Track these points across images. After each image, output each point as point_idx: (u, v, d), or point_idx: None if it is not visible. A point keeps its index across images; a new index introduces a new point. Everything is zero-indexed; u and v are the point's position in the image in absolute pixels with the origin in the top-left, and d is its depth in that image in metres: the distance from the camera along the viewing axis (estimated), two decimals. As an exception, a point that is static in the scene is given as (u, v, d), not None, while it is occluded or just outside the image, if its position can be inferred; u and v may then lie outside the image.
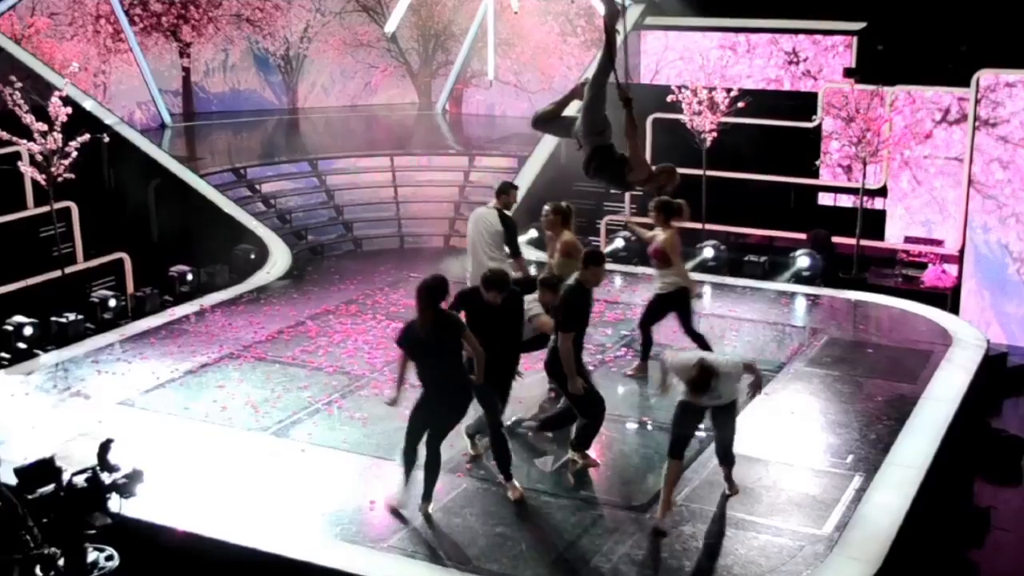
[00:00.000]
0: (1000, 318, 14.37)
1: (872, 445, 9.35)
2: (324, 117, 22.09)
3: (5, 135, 12.11)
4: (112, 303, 12.77)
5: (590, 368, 9.73)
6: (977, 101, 14.36)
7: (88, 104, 15.53)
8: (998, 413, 12.24)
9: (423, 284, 7.85)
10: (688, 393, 7.86)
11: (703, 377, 7.69)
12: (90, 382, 10.88)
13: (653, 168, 8.79)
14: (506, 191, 10.34)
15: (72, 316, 12.11)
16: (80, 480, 6.68)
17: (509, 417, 9.09)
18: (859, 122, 14.58)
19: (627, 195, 16.12)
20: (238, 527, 7.98)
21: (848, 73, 15.82)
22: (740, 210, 15.77)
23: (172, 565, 7.86)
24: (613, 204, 16.67)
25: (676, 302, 10.47)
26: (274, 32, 22.24)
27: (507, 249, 10.09)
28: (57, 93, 12.33)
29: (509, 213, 10.22)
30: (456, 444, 8.85)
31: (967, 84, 14.45)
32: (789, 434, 9.62)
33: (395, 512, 8.18)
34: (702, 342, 10.47)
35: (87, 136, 12.58)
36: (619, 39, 8.73)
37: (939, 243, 15.09)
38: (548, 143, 16.82)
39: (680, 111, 15.23)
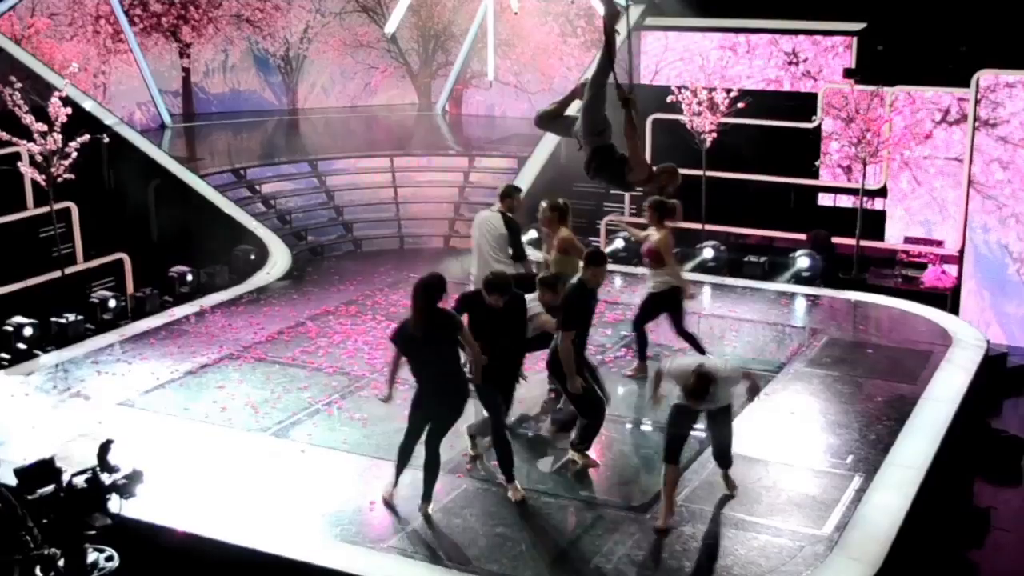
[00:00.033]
0: (1000, 318, 14.36)
1: (872, 445, 9.35)
2: (324, 118, 22.08)
3: (5, 136, 12.11)
4: (112, 304, 12.77)
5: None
6: (977, 101, 14.36)
7: (88, 104, 15.53)
8: (998, 413, 12.23)
9: (419, 282, 7.85)
10: (685, 398, 7.83)
11: (701, 384, 7.65)
12: (90, 383, 10.88)
13: (654, 168, 8.80)
14: (510, 194, 10.34)
15: (72, 317, 12.11)
16: (80, 481, 6.67)
17: (510, 418, 9.09)
18: (859, 123, 14.58)
19: (627, 196, 16.12)
20: (238, 528, 7.98)
21: (848, 74, 15.81)
22: (740, 211, 15.77)
23: (172, 566, 7.87)
24: (613, 204, 16.68)
25: (669, 301, 10.47)
26: (274, 33, 22.23)
27: (512, 252, 10.09)
28: (57, 94, 12.32)
29: (513, 216, 10.22)
30: (456, 444, 8.85)
31: (967, 84, 14.45)
32: (789, 434, 9.62)
33: (393, 511, 8.18)
34: (694, 342, 10.52)
35: (87, 137, 12.58)
36: (619, 40, 8.75)
37: (939, 243, 15.09)
38: (548, 144, 16.82)
39: (680, 112, 15.23)
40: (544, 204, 10.15)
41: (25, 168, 12.54)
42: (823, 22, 16.26)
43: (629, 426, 9.84)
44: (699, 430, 8.37)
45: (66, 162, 12.26)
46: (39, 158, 12.22)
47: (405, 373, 8.11)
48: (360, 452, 9.24)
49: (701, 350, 10.48)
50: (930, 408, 10.11)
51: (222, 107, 22.02)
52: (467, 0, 22.14)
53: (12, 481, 6.60)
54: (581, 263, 9.65)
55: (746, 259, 14.86)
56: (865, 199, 14.96)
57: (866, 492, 8.50)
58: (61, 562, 6.45)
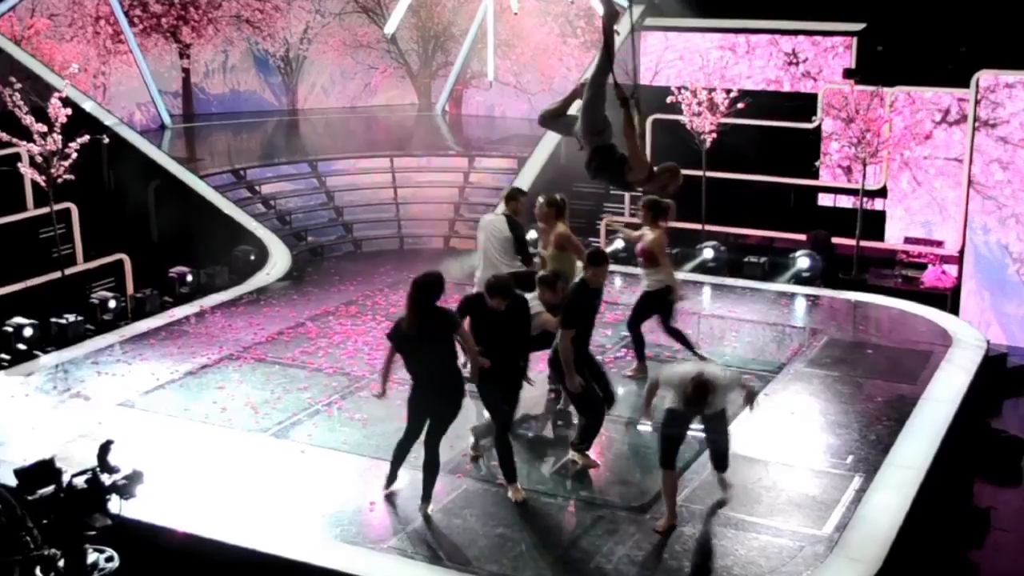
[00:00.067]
0: (1000, 318, 14.37)
1: (872, 446, 9.35)
2: (324, 118, 22.08)
3: (5, 136, 12.11)
4: (112, 304, 12.77)
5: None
6: (977, 102, 14.36)
7: (88, 105, 15.53)
8: (998, 413, 12.24)
9: (416, 280, 7.85)
10: (682, 405, 7.79)
11: (700, 393, 7.63)
12: (90, 383, 10.88)
13: (655, 168, 8.80)
14: (515, 197, 10.36)
15: (72, 317, 12.11)
16: (80, 481, 6.67)
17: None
18: (859, 123, 14.59)
19: (627, 196, 16.12)
20: (238, 528, 7.98)
21: (848, 74, 15.80)
22: (740, 211, 15.78)
23: (172, 566, 7.87)
24: (613, 205, 16.67)
25: (662, 300, 10.49)
26: (274, 33, 22.24)
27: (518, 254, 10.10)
28: (57, 94, 12.32)
29: (518, 219, 10.22)
30: (456, 444, 8.86)
31: (967, 85, 14.45)
32: (789, 435, 9.62)
33: (393, 512, 8.18)
34: (683, 340, 10.61)
35: (87, 137, 12.59)
36: (618, 40, 8.76)
37: (939, 244, 15.09)
38: (548, 144, 16.81)
39: (680, 112, 15.23)
40: (541, 199, 10.16)
41: (25, 169, 12.54)
42: (823, 22, 16.26)
43: (629, 426, 9.84)
44: (696, 430, 8.37)
45: (66, 163, 12.27)
46: (39, 159, 12.22)
47: (405, 373, 8.12)
48: (360, 452, 9.24)
49: (690, 347, 10.61)
50: (930, 408, 10.11)
51: (222, 108, 22.02)
52: (467, 0, 22.15)
53: (12, 482, 6.60)
54: (577, 259, 9.69)
55: (746, 259, 14.86)
56: (865, 199, 14.96)
57: (866, 492, 8.50)
58: (61, 563, 6.45)
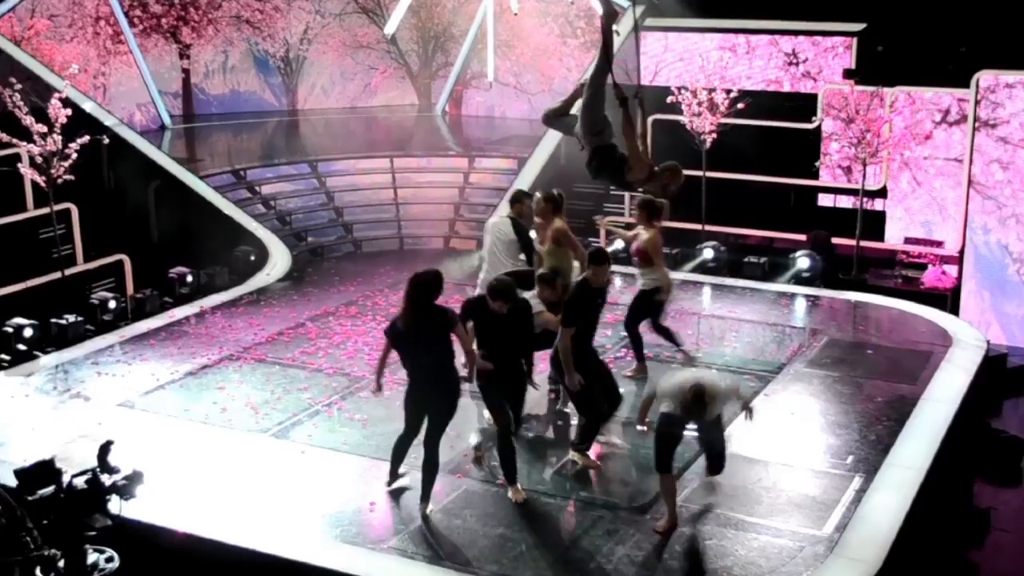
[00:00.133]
0: (1000, 319, 14.37)
1: (872, 446, 9.35)
2: (324, 119, 22.08)
3: (5, 137, 12.12)
4: (112, 305, 12.77)
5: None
6: (977, 102, 14.36)
7: (88, 106, 15.52)
8: (998, 414, 12.23)
9: (414, 278, 7.83)
10: (679, 411, 7.77)
11: (698, 402, 7.63)
12: (90, 384, 10.88)
13: (656, 168, 8.80)
14: (520, 199, 10.35)
15: (72, 318, 12.11)
16: (80, 482, 6.67)
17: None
18: (859, 123, 14.59)
19: (627, 196, 16.11)
20: (238, 529, 7.98)
21: (848, 74, 15.81)
22: (740, 211, 15.78)
23: (172, 567, 7.87)
24: (613, 205, 16.67)
25: (655, 299, 10.49)
26: (274, 34, 22.23)
27: (523, 257, 10.10)
28: (57, 95, 12.33)
29: (523, 222, 10.22)
30: (456, 444, 8.86)
31: (967, 85, 14.45)
32: (789, 435, 9.62)
33: (393, 512, 8.18)
34: (670, 337, 10.68)
35: (87, 138, 12.59)
36: (617, 40, 8.78)
37: (939, 244, 15.09)
38: (548, 144, 16.81)
39: (680, 112, 15.23)
40: (538, 195, 10.17)
41: (25, 169, 12.55)
42: (823, 23, 16.25)
43: (629, 427, 9.82)
44: (692, 430, 8.36)
45: (66, 163, 12.27)
46: (39, 159, 12.23)
47: (404, 373, 8.12)
48: (360, 453, 9.24)
49: (677, 344, 10.71)
50: (930, 408, 10.11)
51: (222, 108, 22.02)
52: (467, 1, 22.14)
53: (12, 482, 6.60)
54: (573, 256, 9.70)
55: (746, 259, 14.86)
56: (865, 200, 14.96)
57: (866, 493, 8.50)
58: (61, 563, 6.44)
